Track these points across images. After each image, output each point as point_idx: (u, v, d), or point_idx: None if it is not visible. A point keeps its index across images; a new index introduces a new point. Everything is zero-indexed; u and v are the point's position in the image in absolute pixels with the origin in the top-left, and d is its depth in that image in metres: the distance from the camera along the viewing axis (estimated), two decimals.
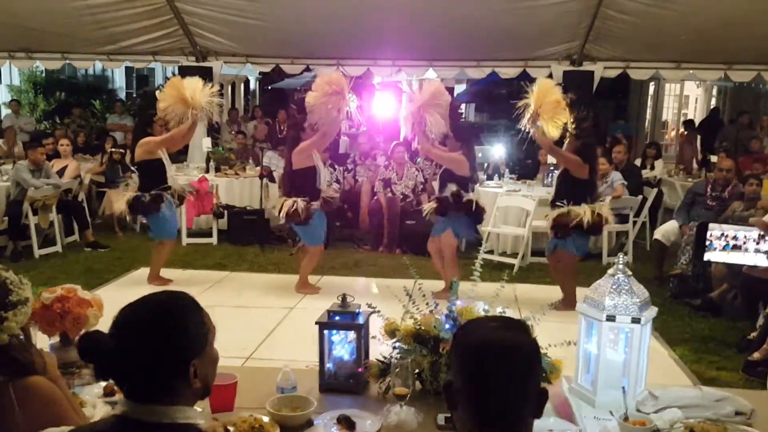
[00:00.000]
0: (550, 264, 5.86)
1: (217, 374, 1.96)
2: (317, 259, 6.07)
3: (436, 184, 6.37)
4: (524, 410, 1.28)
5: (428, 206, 5.86)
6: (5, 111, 15.27)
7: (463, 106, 18.75)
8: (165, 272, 6.28)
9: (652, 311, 2.18)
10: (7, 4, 8.03)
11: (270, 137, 11.00)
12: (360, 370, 2.29)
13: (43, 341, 2.20)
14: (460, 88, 19.48)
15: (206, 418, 1.63)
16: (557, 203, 5.46)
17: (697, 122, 13.21)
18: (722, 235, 1.17)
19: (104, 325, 1.48)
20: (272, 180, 8.47)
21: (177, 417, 1.32)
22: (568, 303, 4.45)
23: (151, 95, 6.56)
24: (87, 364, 2.33)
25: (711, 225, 1.23)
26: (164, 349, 1.33)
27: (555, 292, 5.70)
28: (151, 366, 1.32)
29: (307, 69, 10.06)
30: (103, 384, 2.10)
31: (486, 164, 9.19)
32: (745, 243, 1.18)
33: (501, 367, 1.27)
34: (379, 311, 2.42)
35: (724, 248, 1.27)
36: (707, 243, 1.18)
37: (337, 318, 2.34)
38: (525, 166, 9.48)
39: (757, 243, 1.16)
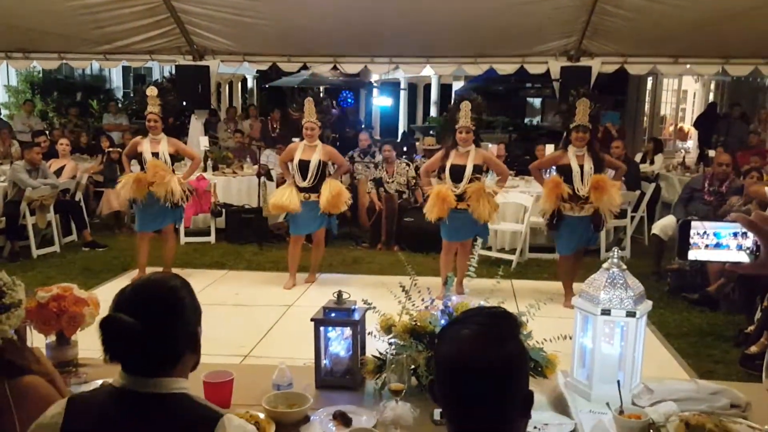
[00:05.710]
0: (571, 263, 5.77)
1: (213, 372, 1.98)
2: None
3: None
4: (508, 414, 1.24)
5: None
6: (5, 111, 15.26)
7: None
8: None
9: (647, 305, 2.18)
10: (3, 4, 8.00)
11: (263, 136, 11.01)
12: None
13: (39, 341, 2.20)
14: (458, 85, 19.47)
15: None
16: None
17: (694, 117, 13.18)
18: (704, 232, 1.17)
19: None
20: (270, 178, 8.46)
21: (173, 387, 1.41)
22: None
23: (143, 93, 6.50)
24: (80, 365, 2.34)
25: (693, 223, 1.22)
26: (181, 322, 1.45)
27: (553, 288, 5.71)
28: (173, 338, 1.43)
29: (304, 67, 10.04)
30: (99, 382, 2.10)
31: None
32: (726, 240, 1.18)
33: (474, 385, 1.21)
34: (374, 307, 2.42)
35: (706, 246, 1.26)
36: (690, 241, 1.19)
37: (333, 314, 2.34)
38: (523, 162, 9.46)
39: (739, 240, 1.16)
